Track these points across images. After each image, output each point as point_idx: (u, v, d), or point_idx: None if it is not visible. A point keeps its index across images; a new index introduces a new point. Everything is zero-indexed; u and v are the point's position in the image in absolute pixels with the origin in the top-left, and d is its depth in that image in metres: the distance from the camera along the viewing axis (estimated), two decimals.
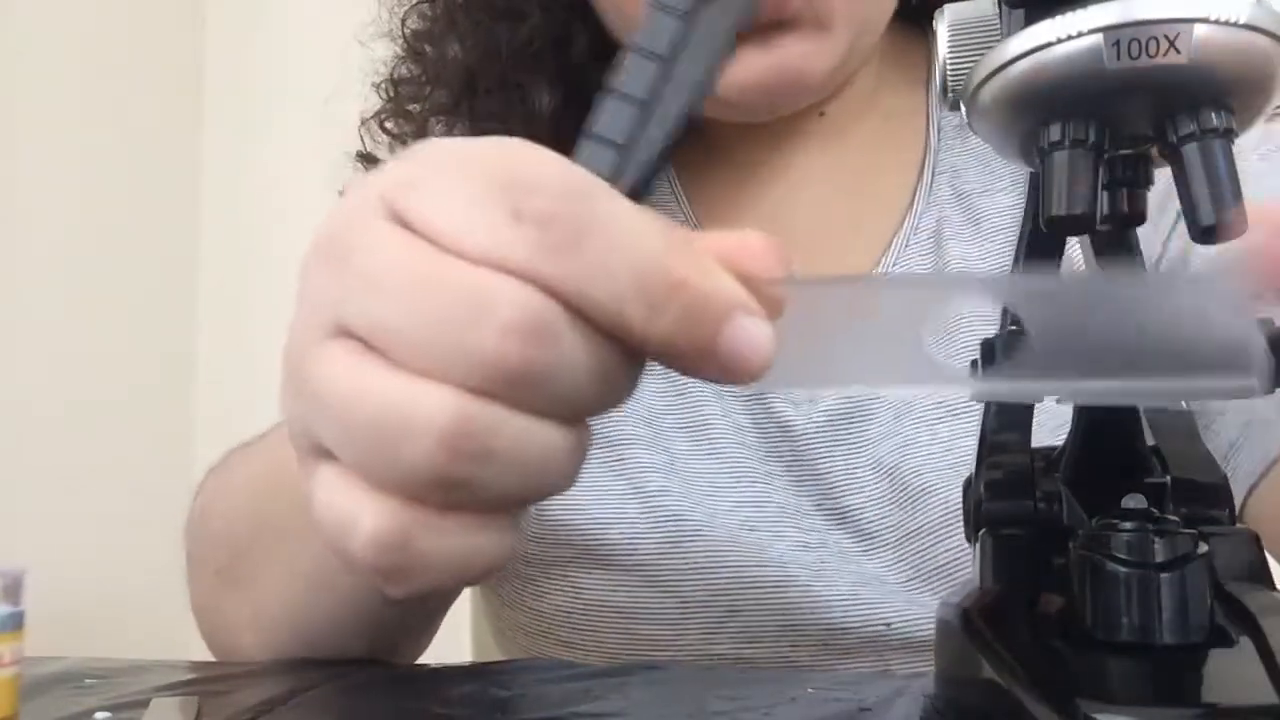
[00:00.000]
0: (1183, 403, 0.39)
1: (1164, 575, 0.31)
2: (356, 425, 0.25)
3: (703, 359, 0.25)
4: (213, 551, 0.56)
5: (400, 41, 0.70)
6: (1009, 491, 0.38)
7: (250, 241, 1.68)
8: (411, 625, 0.58)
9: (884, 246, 0.65)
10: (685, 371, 0.26)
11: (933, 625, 0.55)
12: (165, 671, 0.50)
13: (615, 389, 0.26)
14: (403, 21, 0.70)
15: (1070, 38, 0.31)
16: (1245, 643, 0.31)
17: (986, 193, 0.65)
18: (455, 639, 0.89)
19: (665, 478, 0.61)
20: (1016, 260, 0.41)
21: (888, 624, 0.58)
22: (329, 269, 0.26)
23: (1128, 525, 0.32)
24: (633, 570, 0.60)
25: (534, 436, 0.25)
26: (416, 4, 0.69)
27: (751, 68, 0.58)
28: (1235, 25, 0.30)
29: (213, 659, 0.57)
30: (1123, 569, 0.31)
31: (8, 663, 0.36)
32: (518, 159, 0.26)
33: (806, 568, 0.59)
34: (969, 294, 0.26)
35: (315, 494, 0.27)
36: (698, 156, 0.68)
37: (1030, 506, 0.38)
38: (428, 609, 0.58)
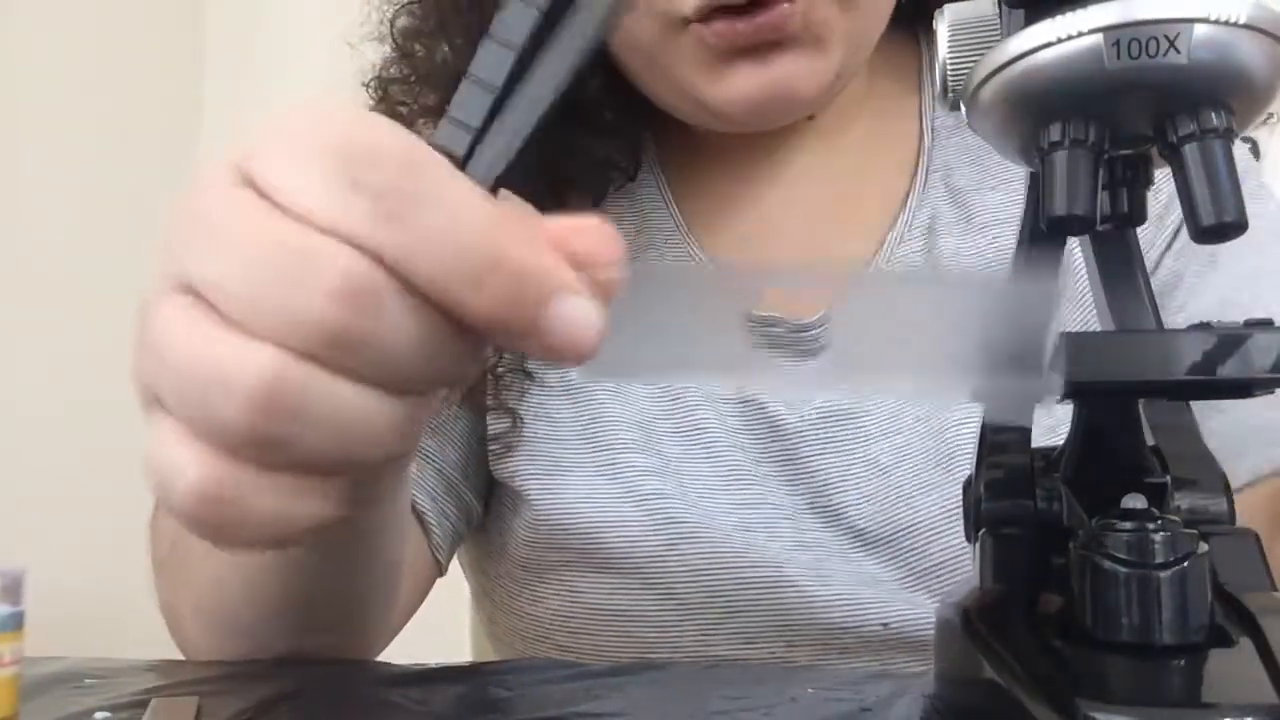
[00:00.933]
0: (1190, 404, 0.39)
1: (1164, 575, 0.31)
2: (180, 377, 0.26)
3: (528, 336, 0.26)
4: (159, 548, 0.56)
5: (390, 41, 0.69)
6: (1009, 491, 0.38)
7: None
8: (339, 617, 0.55)
9: (879, 243, 0.65)
10: (519, 349, 0.26)
11: (931, 625, 0.55)
12: (165, 671, 0.50)
13: (445, 363, 0.26)
14: (392, 21, 0.69)
15: (1070, 38, 0.31)
16: (1245, 643, 0.31)
17: (978, 190, 0.66)
18: (455, 639, 0.89)
19: (660, 480, 0.61)
20: (1017, 261, 0.41)
21: (885, 624, 0.58)
22: (179, 227, 0.27)
23: (1128, 525, 0.32)
24: (630, 573, 0.60)
25: (351, 402, 0.25)
26: (406, 4, 0.69)
27: (746, 85, 0.58)
28: (1235, 25, 0.30)
29: (212, 659, 0.57)
30: (1123, 569, 0.31)
31: (8, 663, 0.36)
32: (365, 130, 0.26)
33: (803, 568, 0.59)
34: (787, 283, 0.27)
35: (147, 444, 0.27)
36: (686, 160, 0.68)
37: (1030, 506, 0.38)
38: (344, 601, 0.54)
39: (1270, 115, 0.73)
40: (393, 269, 0.25)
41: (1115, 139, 0.32)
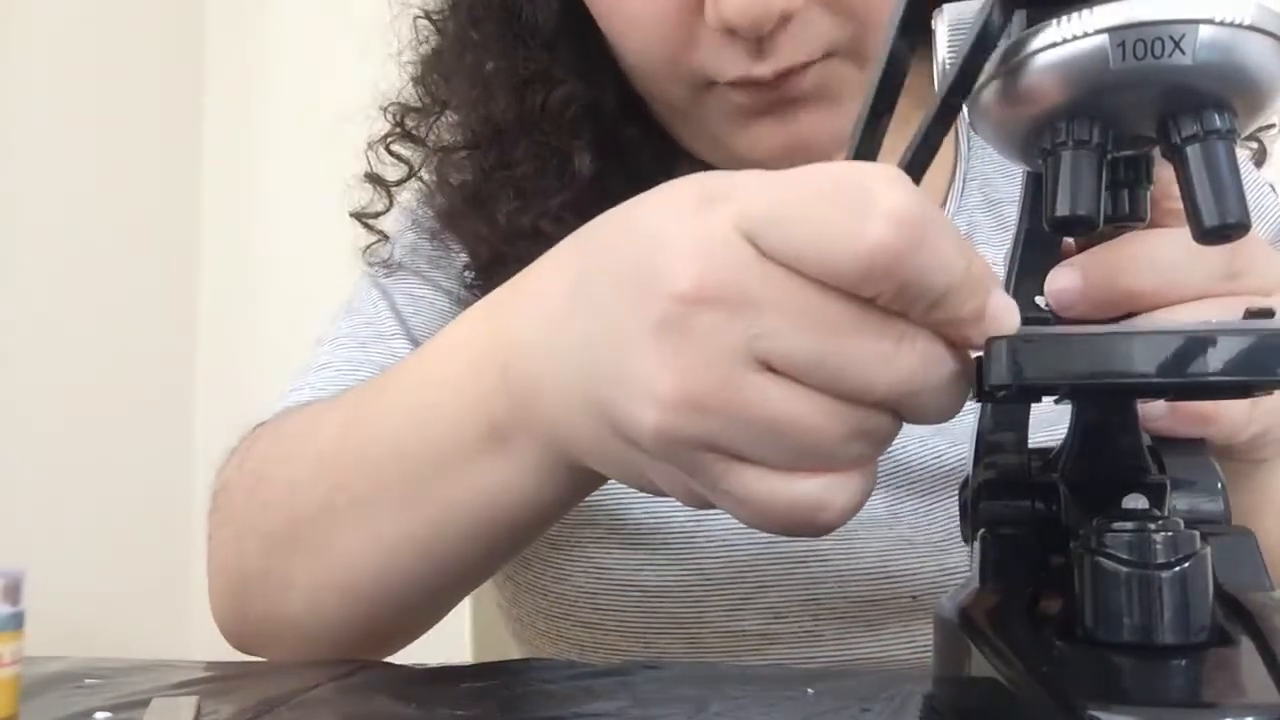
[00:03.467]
0: None
1: (1165, 575, 0.30)
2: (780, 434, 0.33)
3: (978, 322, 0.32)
4: (265, 516, 0.54)
5: (410, 69, 0.70)
6: (1006, 491, 0.38)
7: (251, 243, 1.67)
8: (469, 585, 0.55)
9: None
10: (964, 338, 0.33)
11: None
12: (165, 671, 0.50)
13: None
14: (419, 69, 0.70)
15: (1076, 38, 0.31)
16: (1246, 642, 0.30)
17: (1014, 202, 0.66)
18: (455, 639, 0.89)
19: None
20: (1013, 258, 0.41)
21: (914, 596, 0.58)
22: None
23: (1129, 525, 0.31)
24: (658, 548, 0.60)
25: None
26: (428, 26, 0.69)
27: (769, 140, 0.59)
28: (1240, 26, 0.30)
29: (211, 659, 0.57)
30: (1124, 569, 0.31)
31: (8, 663, 0.36)
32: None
33: (833, 540, 0.59)
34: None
35: (749, 490, 0.34)
36: (714, 166, 0.68)
37: (1028, 506, 0.37)
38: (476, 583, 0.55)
39: (1273, 125, 0.73)
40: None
41: (1118, 140, 0.32)
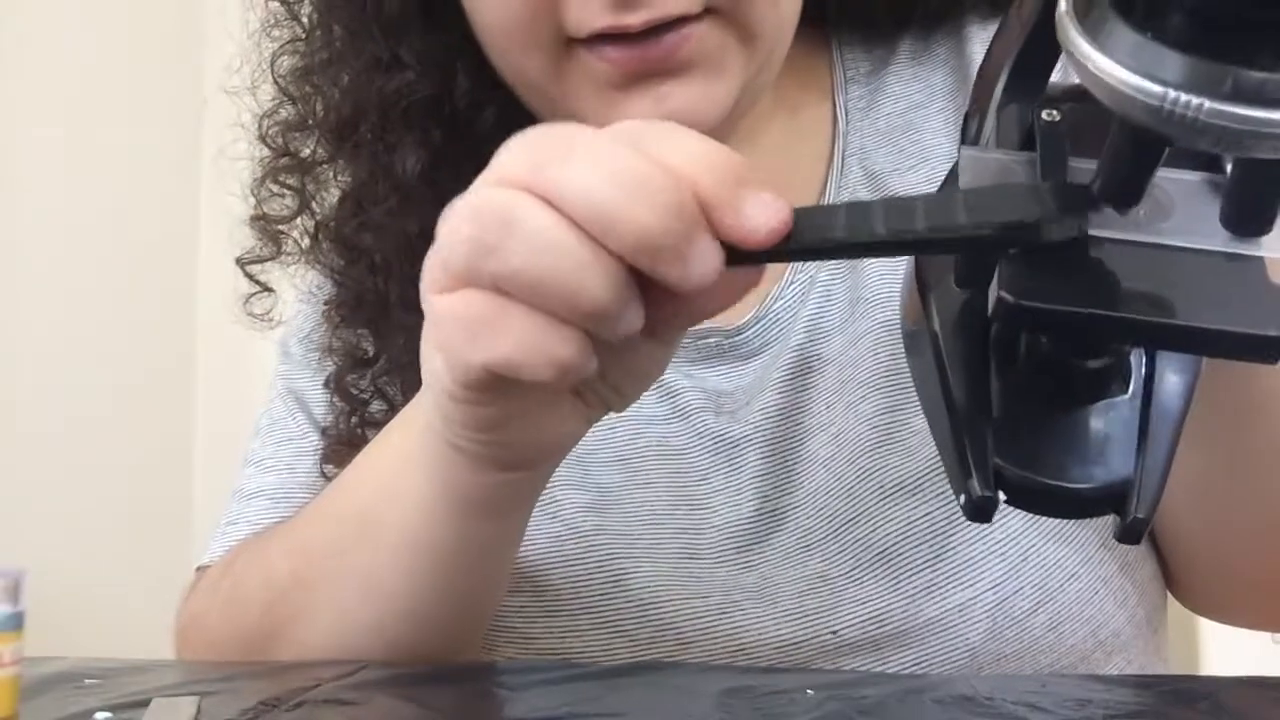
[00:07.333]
0: None
1: None
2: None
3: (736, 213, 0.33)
4: (243, 615, 0.55)
5: (273, 84, 0.65)
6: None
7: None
8: (468, 625, 0.55)
9: None
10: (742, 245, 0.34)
11: (878, 624, 0.54)
12: (165, 671, 0.50)
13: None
14: (272, 63, 0.65)
15: None
16: None
17: (896, 171, 0.63)
18: None
19: (600, 515, 0.58)
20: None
21: (834, 631, 0.56)
22: (546, 146, 0.37)
23: None
24: (579, 614, 0.58)
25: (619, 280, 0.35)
26: (289, 41, 0.65)
27: (641, 116, 0.56)
28: None
29: (212, 659, 0.57)
30: None
31: (8, 663, 0.36)
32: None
33: (749, 591, 0.57)
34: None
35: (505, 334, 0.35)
36: None
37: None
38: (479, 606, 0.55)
39: None
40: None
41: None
